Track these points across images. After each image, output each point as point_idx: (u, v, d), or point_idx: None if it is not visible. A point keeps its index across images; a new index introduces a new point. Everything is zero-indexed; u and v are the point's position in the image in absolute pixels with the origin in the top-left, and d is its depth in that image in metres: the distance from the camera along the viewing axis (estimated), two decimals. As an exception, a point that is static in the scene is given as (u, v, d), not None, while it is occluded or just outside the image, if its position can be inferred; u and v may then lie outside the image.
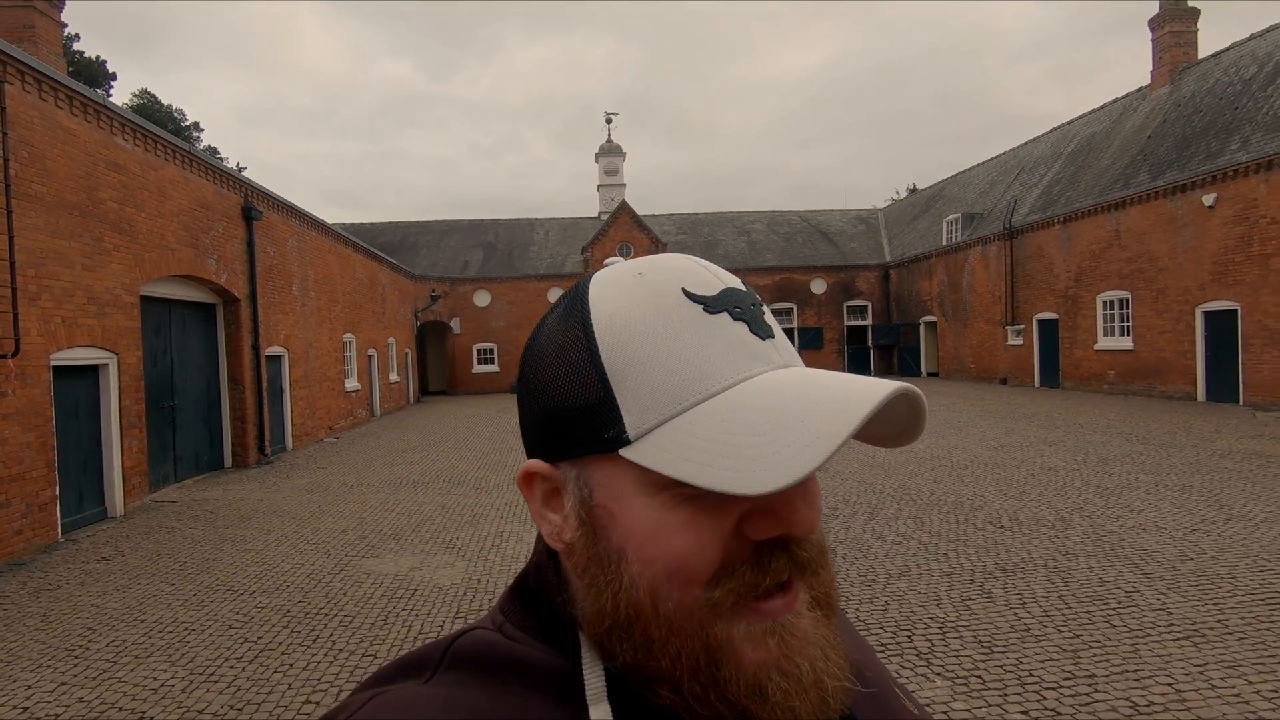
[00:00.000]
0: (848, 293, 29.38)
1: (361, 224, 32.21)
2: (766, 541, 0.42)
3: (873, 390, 0.40)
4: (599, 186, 34.26)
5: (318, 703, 3.52)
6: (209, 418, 10.84)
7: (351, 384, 17.28)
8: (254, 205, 11.66)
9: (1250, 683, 3.28)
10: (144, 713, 3.45)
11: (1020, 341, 19.94)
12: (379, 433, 15.88)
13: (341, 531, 6.92)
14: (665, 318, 0.44)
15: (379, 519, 7.40)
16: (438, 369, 29.81)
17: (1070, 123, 21.81)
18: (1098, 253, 16.88)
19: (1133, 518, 6.25)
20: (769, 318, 0.47)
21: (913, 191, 39.48)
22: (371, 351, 19.33)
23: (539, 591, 0.50)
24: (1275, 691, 3.20)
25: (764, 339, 0.45)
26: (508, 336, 28.65)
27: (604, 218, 31.19)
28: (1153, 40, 18.34)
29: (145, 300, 8.80)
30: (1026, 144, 23.93)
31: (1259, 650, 3.61)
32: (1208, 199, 13.70)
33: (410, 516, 7.46)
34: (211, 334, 11.05)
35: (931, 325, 25.71)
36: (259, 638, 4.34)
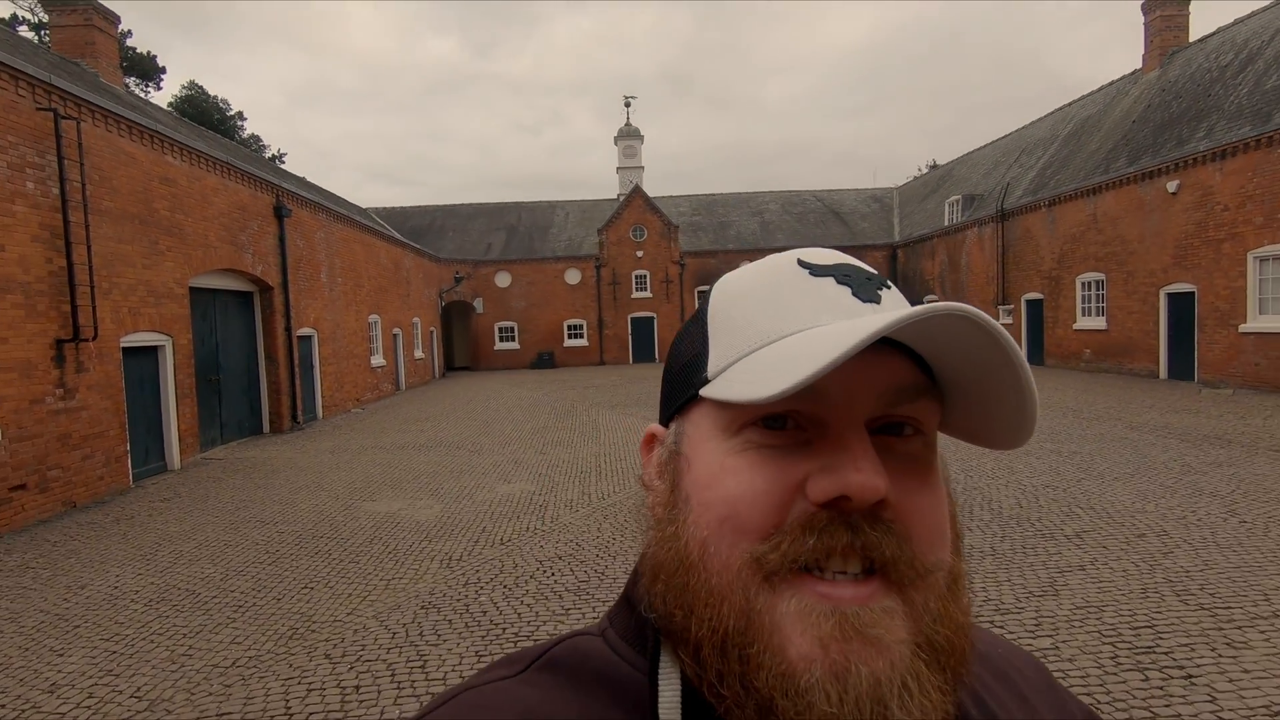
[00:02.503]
0: (857, 272, 30.07)
1: (393, 208, 34.00)
2: (829, 508, 0.39)
3: (931, 308, 0.36)
4: (618, 169, 35.34)
5: (313, 588, 5.02)
6: (249, 390, 12.58)
7: (377, 360, 19.03)
8: (284, 204, 13.27)
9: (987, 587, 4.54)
10: (196, 592, 5.01)
11: (1010, 320, 20.65)
12: (401, 405, 17.60)
13: (351, 482, 8.50)
14: (770, 279, 0.46)
15: (383, 473, 8.96)
16: (462, 346, 31.63)
17: (1070, 104, 22.14)
18: (1078, 235, 17.53)
19: (1004, 475, 7.41)
20: (889, 294, 0.45)
21: (933, 168, 39.58)
22: (396, 330, 21.06)
23: (639, 595, 0.47)
24: (1000, 587, 4.45)
25: (865, 301, 0.44)
26: (527, 315, 30.25)
27: (621, 200, 32.35)
28: (1145, 24, 18.62)
29: (193, 291, 10.47)
30: (1030, 125, 24.27)
31: (1009, 568, 4.85)
32: (1171, 185, 14.32)
33: (407, 472, 9.01)
34: (250, 318, 12.75)
35: (935, 304, 26.34)
36: (277, 550, 5.89)
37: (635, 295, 30.27)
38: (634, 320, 30.45)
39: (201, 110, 34.67)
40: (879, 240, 30.31)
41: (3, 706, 3.50)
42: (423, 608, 4.54)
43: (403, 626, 4.26)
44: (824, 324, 0.42)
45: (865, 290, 0.44)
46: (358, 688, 3.55)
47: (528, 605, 4.51)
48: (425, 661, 3.80)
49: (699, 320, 0.49)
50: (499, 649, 3.94)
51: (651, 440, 0.50)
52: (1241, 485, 6.61)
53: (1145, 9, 18.59)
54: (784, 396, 0.36)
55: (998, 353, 0.39)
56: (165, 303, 9.51)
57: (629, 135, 35.18)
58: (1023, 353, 0.39)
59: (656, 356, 30.14)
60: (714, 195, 35.16)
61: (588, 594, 4.65)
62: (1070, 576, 4.59)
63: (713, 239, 31.75)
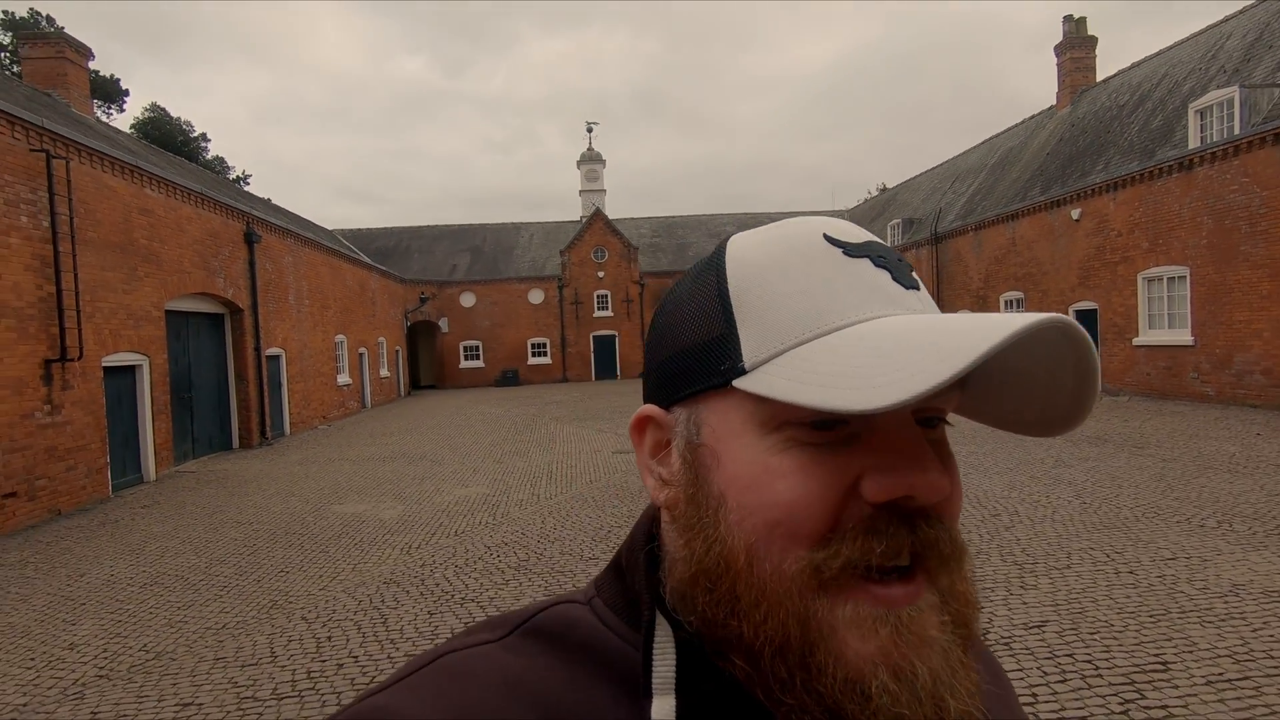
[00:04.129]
0: (809, 291, 31.54)
1: (359, 230, 34.54)
2: (887, 508, 0.38)
3: (1018, 318, 0.34)
4: (581, 192, 36.44)
5: (289, 572, 5.79)
6: (220, 407, 13.18)
7: (343, 379, 19.63)
8: (254, 230, 13.97)
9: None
10: (184, 577, 5.75)
11: (946, 336, 22.09)
12: (366, 421, 18.22)
13: (320, 489, 9.24)
14: (800, 256, 0.42)
15: (349, 481, 9.71)
16: (428, 365, 32.20)
17: (997, 135, 23.87)
18: (1000, 258, 19.02)
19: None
20: (916, 276, 0.43)
21: (882, 191, 41.50)
22: (362, 350, 21.68)
23: (631, 566, 0.47)
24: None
25: (907, 288, 0.42)
26: (491, 334, 31.01)
27: (584, 222, 33.42)
28: (1058, 64, 20.38)
29: (169, 313, 11.12)
30: (964, 153, 26.00)
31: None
32: (1075, 213, 15.83)
33: (372, 480, 9.77)
34: (221, 338, 13.38)
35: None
36: (254, 544, 6.64)
37: (597, 314, 31.26)
38: (596, 338, 31.40)
39: (165, 132, 34.86)
40: (830, 261, 31.76)
41: (34, 658, 4.25)
42: (384, 583, 5.37)
43: (367, 597, 5.09)
44: (875, 314, 0.39)
45: (904, 275, 0.42)
46: (330, 638, 4.38)
47: (474, 579, 5.37)
48: (386, 620, 4.64)
49: (713, 293, 0.43)
50: (448, 609, 4.78)
51: (645, 423, 0.46)
52: (1095, 476, 7.75)
53: (1058, 50, 20.36)
54: (898, 409, 0.33)
55: (1079, 359, 0.39)
56: (143, 325, 10.17)
57: (591, 159, 36.35)
58: (1098, 359, 0.38)
59: (618, 373, 31.09)
60: (674, 217, 36.45)
61: (527, 569, 5.53)
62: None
63: (672, 259, 32.95)
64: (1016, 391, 0.43)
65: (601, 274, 31.30)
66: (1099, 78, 19.75)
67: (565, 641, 0.44)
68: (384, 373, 24.39)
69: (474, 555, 5.97)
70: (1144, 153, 14.63)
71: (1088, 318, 15.79)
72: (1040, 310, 14.42)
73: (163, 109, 38.97)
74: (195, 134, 39.96)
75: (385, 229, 35.35)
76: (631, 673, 0.42)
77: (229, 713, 3.48)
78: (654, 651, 0.42)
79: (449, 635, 4.25)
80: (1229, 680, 3.27)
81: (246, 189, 32.09)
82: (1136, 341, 14.24)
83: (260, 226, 14.42)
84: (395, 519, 7.46)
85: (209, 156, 37.97)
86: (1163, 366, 13.62)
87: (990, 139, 24.30)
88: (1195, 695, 3.17)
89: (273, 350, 14.75)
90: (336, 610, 4.84)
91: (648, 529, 0.47)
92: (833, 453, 0.38)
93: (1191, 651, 3.58)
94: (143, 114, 37.77)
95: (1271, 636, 3.68)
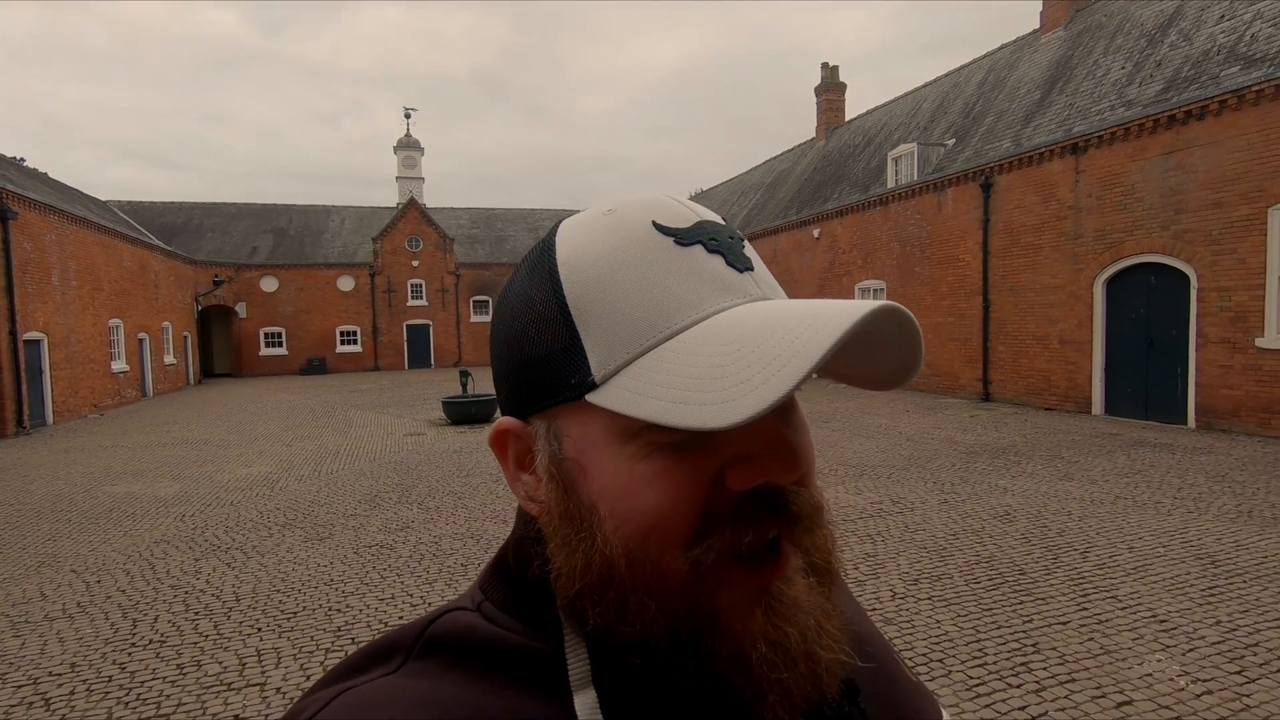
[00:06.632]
0: (620, 287, 33.84)
1: (141, 203, 31.47)
2: (750, 493, 0.39)
3: (850, 310, 0.35)
4: (397, 178, 35.91)
5: (57, 540, 6.33)
6: (-35, 395, 12.29)
7: (119, 365, 18.46)
8: (9, 207, 13.08)
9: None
10: (-60, 550, 6.10)
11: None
12: (147, 410, 17.41)
13: (90, 472, 9.37)
14: (632, 252, 0.41)
15: (124, 465, 9.87)
16: (223, 352, 30.34)
17: (775, 158, 27.43)
18: (766, 265, 22.21)
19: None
20: (749, 250, 0.44)
21: (691, 197, 45.01)
22: (143, 335, 20.38)
23: (520, 567, 0.47)
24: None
25: (741, 271, 0.42)
26: (296, 321, 29.94)
27: (398, 209, 33.11)
28: (817, 103, 24.04)
29: (-98, 294, 10.37)
30: (749, 171, 29.47)
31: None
32: (815, 232, 19.14)
33: (150, 463, 10.01)
34: (-33, 321, 12.45)
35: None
36: (16, 521, 6.99)
37: (411, 303, 31.28)
38: (409, 327, 31.43)
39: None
40: (639, 259, 34.26)
41: None
42: (156, 543, 6.15)
43: (137, 553, 5.87)
44: (715, 308, 0.40)
45: (737, 257, 0.42)
46: (99, 582, 5.19)
47: (242, 535, 6.32)
48: (154, 567, 5.50)
49: (551, 299, 0.42)
50: (214, 556, 5.72)
51: (505, 437, 0.46)
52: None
53: (817, 91, 24.00)
54: (743, 424, 0.33)
55: (904, 336, 0.40)
56: None
57: (409, 146, 35.94)
58: (921, 332, 0.40)
59: (432, 362, 31.38)
60: (492, 210, 37.12)
61: (292, 526, 6.55)
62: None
63: (489, 251, 33.71)
64: (855, 358, 0.43)
65: (416, 263, 31.34)
66: (848, 117, 23.62)
67: (467, 651, 0.43)
68: (169, 359, 22.95)
69: (246, 518, 6.87)
70: (863, 187, 18.12)
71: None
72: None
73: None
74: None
75: (173, 203, 32.49)
76: (540, 672, 0.42)
77: (4, 636, 4.28)
78: (565, 645, 0.43)
79: (208, 577, 5.25)
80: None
81: (-7, 148, 28.08)
82: (854, 339, 17.70)
83: (16, 202, 13.48)
84: (172, 495, 8.03)
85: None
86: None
87: (769, 160, 27.84)
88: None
89: (32, 334, 13.85)
90: (106, 565, 5.60)
91: (536, 528, 0.45)
92: (693, 449, 0.39)
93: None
94: None
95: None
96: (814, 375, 0.38)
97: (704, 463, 0.39)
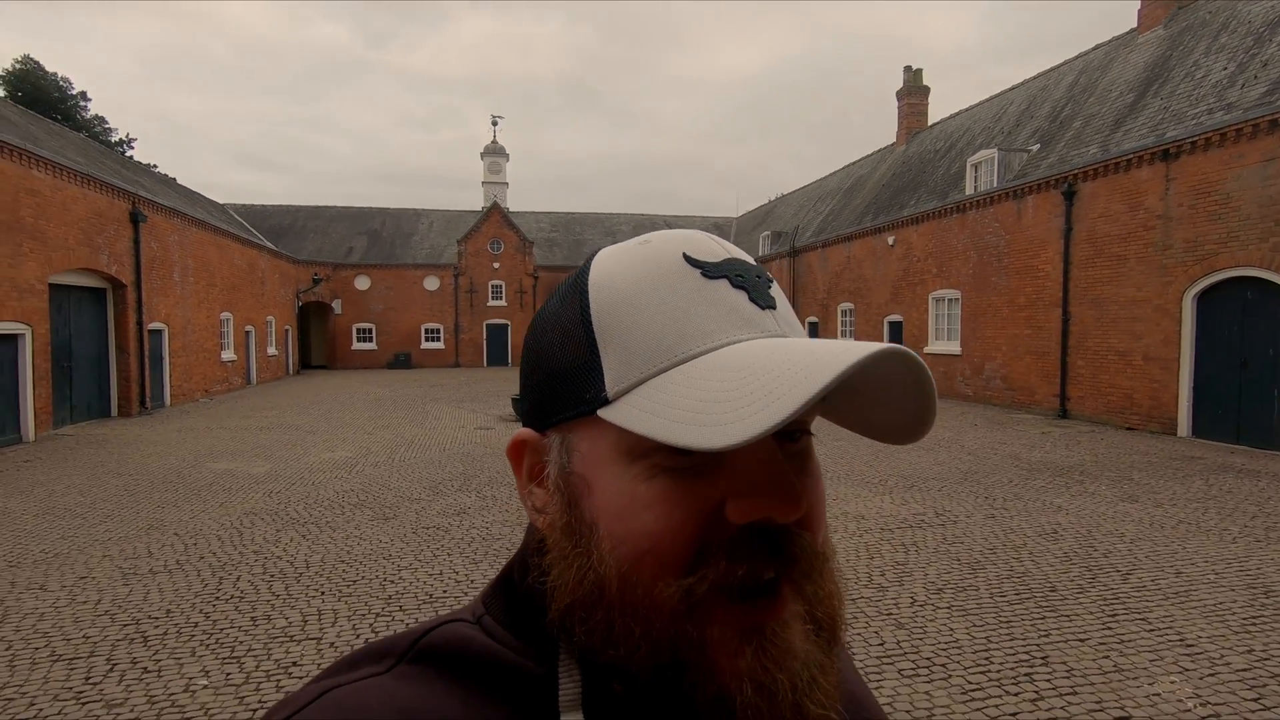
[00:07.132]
0: (694, 291, 34.07)
1: (254, 206, 34.20)
2: (749, 528, 0.39)
3: (856, 350, 0.36)
4: (483, 183, 37.49)
5: (164, 508, 7.18)
6: (100, 377, 13.87)
7: (228, 355, 20.22)
8: (140, 210, 14.65)
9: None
10: (72, 510, 7.04)
11: (799, 339, 25.00)
12: (249, 397, 18.99)
13: (196, 450, 10.44)
14: (659, 279, 0.43)
15: (225, 446, 10.93)
16: (319, 345, 32.51)
17: (854, 163, 26.95)
18: (839, 273, 21.91)
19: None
20: (775, 290, 0.45)
21: (769, 203, 44.68)
22: (249, 328, 22.20)
23: (523, 582, 0.47)
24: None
25: (763, 308, 0.43)
26: (385, 318, 31.76)
27: (483, 213, 34.51)
28: (898, 108, 23.48)
29: (52, 287, 11.86)
30: (827, 176, 29.03)
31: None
32: (890, 240, 18.73)
33: (247, 445, 11.03)
34: (103, 312, 14.03)
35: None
36: (134, 489, 7.94)
37: (491, 303, 32.56)
38: (489, 326, 32.72)
39: (38, 89, 33.13)
40: (713, 264, 34.36)
41: (-46, 555, 5.55)
42: (245, 514, 6.89)
43: (229, 522, 6.60)
44: (731, 339, 0.41)
45: (761, 294, 0.44)
46: (195, 544, 5.90)
47: (319, 511, 6.97)
48: (242, 535, 6.19)
49: (578, 317, 0.44)
50: (293, 528, 6.38)
51: (521, 448, 0.47)
52: (827, 449, 10.12)
53: (899, 95, 23.45)
54: (743, 445, 0.34)
55: (916, 383, 0.41)
56: (27, 297, 10.95)
57: (494, 152, 37.43)
58: (933, 380, 0.41)
59: (510, 360, 32.55)
60: (572, 214, 38.10)
61: (362, 506, 7.17)
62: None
63: (566, 255, 34.63)
64: (870, 404, 0.44)
65: (497, 265, 32.60)
66: (930, 121, 22.96)
67: (459, 664, 0.43)
68: (272, 351, 24.86)
69: (323, 497, 7.56)
70: (941, 194, 17.63)
71: (896, 328, 18.75)
72: (866, 319, 17.06)
73: (36, 62, 36.84)
74: (74, 92, 38.05)
75: (281, 206, 35.12)
76: (531, 690, 0.42)
77: (116, 583, 4.99)
78: (559, 666, 0.43)
79: (285, 546, 5.86)
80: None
81: (130, 155, 31.20)
82: (926, 350, 17.21)
83: (146, 206, 15.06)
84: (263, 474, 8.88)
85: (88, 115, 36.27)
86: (941, 371, 16.62)
87: (849, 165, 27.37)
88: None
89: (155, 325, 15.43)
90: (203, 530, 6.34)
91: (540, 544, 0.46)
92: (696, 476, 0.40)
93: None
94: (13, 66, 35.63)
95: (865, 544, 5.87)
96: (828, 419, 0.44)
97: (705, 492, 0.40)
